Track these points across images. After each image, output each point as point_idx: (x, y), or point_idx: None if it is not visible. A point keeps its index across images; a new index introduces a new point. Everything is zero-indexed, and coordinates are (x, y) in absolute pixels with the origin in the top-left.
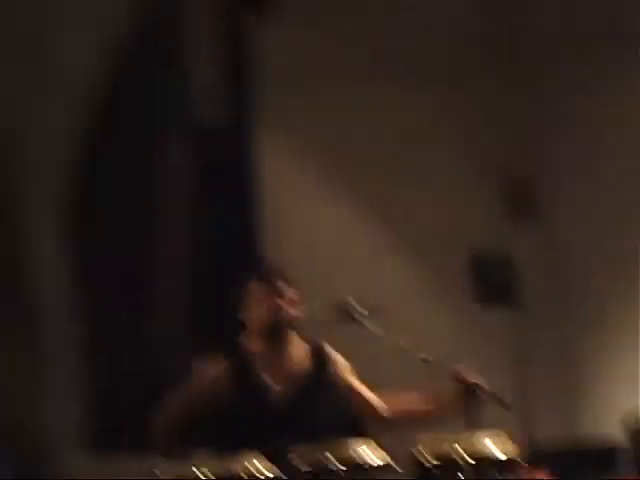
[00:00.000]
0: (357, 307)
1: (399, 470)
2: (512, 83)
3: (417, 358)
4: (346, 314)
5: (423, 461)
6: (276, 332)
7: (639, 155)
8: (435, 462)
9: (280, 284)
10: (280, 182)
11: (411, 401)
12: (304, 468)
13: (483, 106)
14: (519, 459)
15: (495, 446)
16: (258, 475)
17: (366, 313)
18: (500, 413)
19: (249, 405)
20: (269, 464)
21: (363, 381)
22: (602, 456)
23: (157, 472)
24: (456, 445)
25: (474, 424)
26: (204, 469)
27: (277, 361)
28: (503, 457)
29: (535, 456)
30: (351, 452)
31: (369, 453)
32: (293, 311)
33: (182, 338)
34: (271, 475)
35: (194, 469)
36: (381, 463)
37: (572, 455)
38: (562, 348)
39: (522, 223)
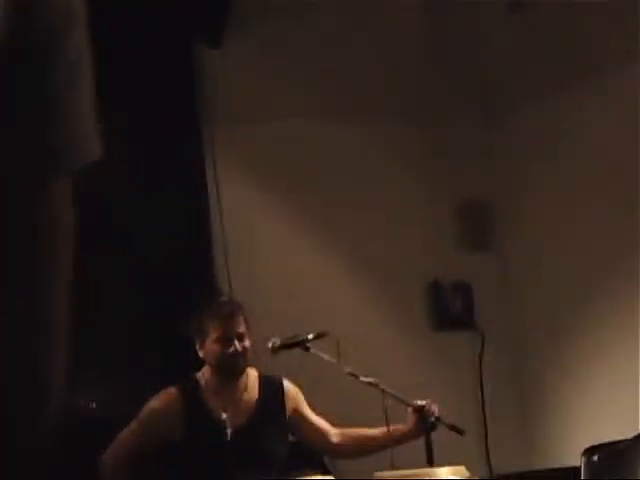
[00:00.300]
0: (311, 337)
1: None
2: (467, 112)
3: (363, 383)
4: (300, 344)
5: None
6: (229, 367)
7: (603, 187)
8: None
9: (236, 321)
10: (234, 215)
11: (364, 430)
12: None
13: (436, 135)
14: None
15: (451, 475)
16: None
17: (319, 342)
18: (459, 444)
19: (200, 438)
20: None
21: (315, 410)
22: None
23: None
24: (409, 473)
25: (432, 456)
26: None
27: (230, 393)
28: None
29: None
30: None
31: None
32: (247, 344)
33: (135, 370)
34: None
35: None
36: None
37: None
38: (520, 374)
39: (478, 250)
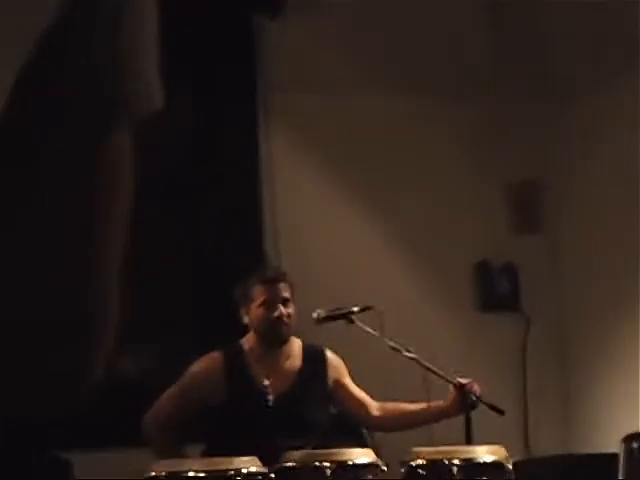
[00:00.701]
0: (356, 310)
1: (384, 469)
2: (525, 91)
3: (405, 357)
4: (345, 316)
5: (411, 461)
6: (274, 332)
7: None
8: (421, 461)
9: (281, 286)
10: (284, 184)
11: (404, 404)
12: (294, 467)
13: (490, 114)
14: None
15: (489, 454)
16: (249, 474)
17: (364, 316)
18: (498, 425)
19: (242, 403)
20: (260, 463)
21: (357, 383)
22: (600, 471)
23: (150, 470)
24: (446, 450)
25: (471, 435)
26: (196, 467)
27: (273, 360)
28: (491, 459)
29: (534, 470)
30: (341, 453)
31: (358, 453)
32: (291, 311)
33: (182, 335)
34: (262, 473)
35: (186, 467)
36: (367, 461)
37: (570, 469)
38: (564, 359)
39: (528, 232)
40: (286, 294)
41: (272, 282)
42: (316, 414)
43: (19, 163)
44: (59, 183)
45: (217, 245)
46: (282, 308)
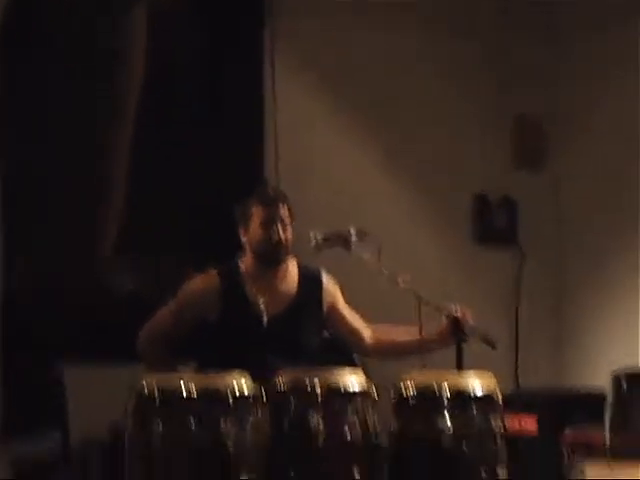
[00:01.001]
0: (354, 235)
1: (376, 397)
2: (529, 27)
3: (397, 283)
4: (343, 241)
5: (402, 390)
6: (270, 253)
7: None
8: (413, 392)
9: (279, 207)
10: (286, 108)
11: (397, 332)
12: (285, 388)
13: (493, 50)
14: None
15: (479, 383)
16: (240, 392)
17: (361, 242)
18: (490, 357)
19: (237, 322)
20: (251, 382)
21: (352, 308)
22: (589, 405)
23: (142, 383)
24: (438, 379)
25: (462, 365)
26: (189, 383)
27: (268, 281)
28: (482, 393)
29: (523, 402)
30: (332, 377)
31: (350, 379)
32: (289, 232)
33: (180, 254)
34: (252, 393)
35: (179, 383)
36: (358, 389)
37: (560, 402)
38: (559, 295)
39: (527, 167)
40: (284, 215)
41: (271, 203)
42: (309, 337)
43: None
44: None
45: (218, 165)
46: (280, 229)
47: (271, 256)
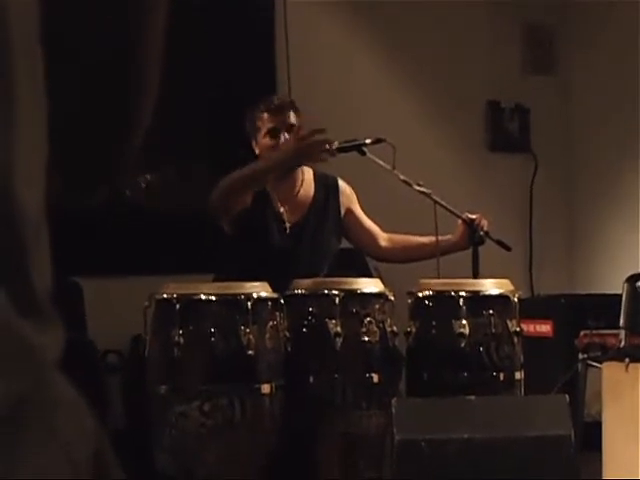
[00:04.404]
0: (368, 142)
1: (391, 298)
2: None
3: (416, 191)
4: (357, 147)
5: (419, 292)
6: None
7: None
8: (429, 293)
9: (287, 113)
10: (298, 16)
11: (412, 237)
12: (303, 292)
13: None
14: (515, 300)
15: (495, 286)
16: (259, 298)
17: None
18: (504, 262)
19: (265, 226)
20: (270, 289)
21: (368, 214)
22: (604, 309)
23: (161, 290)
24: (454, 282)
25: (478, 269)
26: (206, 290)
27: (286, 188)
28: (498, 294)
29: (538, 307)
30: (350, 281)
31: (367, 283)
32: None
33: (197, 162)
34: (272, 298)
35: (197, 290)
36: (375, 290)
37: (574, 307)
38: (570, 201)
39: (539, 73)
40: (293, 121)
41: (278, 110)
42: (329, 243)
43: None
44: None
45: (232, 74)
46: (288, 135)
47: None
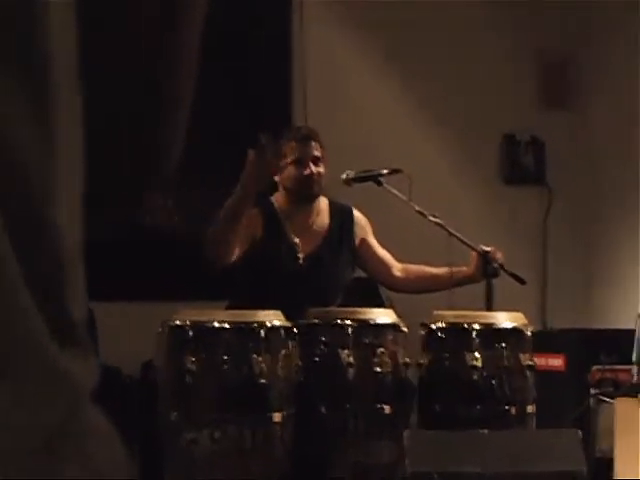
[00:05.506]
0: (385, 172)
1: (404, 329)
2: None
3: (431, 222)
4: (374, 177)
5: (432, 324)
6: (304, 190)
7: None
8: (442, 325)
9: (313, 144)
10: (315, 44)
11: (427, 267)
12: (316, 322)
13: None
14: (528, 334)
15: (509, 319)
16: (272, 327)
17: (390, 180)
18: (518, 295)
19: (277, 257)
20: (283, 317)
21: (383, 244)
22: (617, 344)
23: (174, 317)
24: (467, 314)
25: (491, 302)
26: (220, 318)
27: (302, 218)
28: (511, 328)
29: (550, 341)
30: (363, 311)
31: (380, 313)
32: (322, 170)
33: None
34: (285, 327)
35: (210, 317)
36: (389, 321)
37: (588, 342)
38: (587, 235)
39: (556, 107)
40: (317, 153)
41: (304, 140)
42: (343, 273)
43: None
44: None
45: (245, 98)
46: (313, 166)
47: (305, 193)
